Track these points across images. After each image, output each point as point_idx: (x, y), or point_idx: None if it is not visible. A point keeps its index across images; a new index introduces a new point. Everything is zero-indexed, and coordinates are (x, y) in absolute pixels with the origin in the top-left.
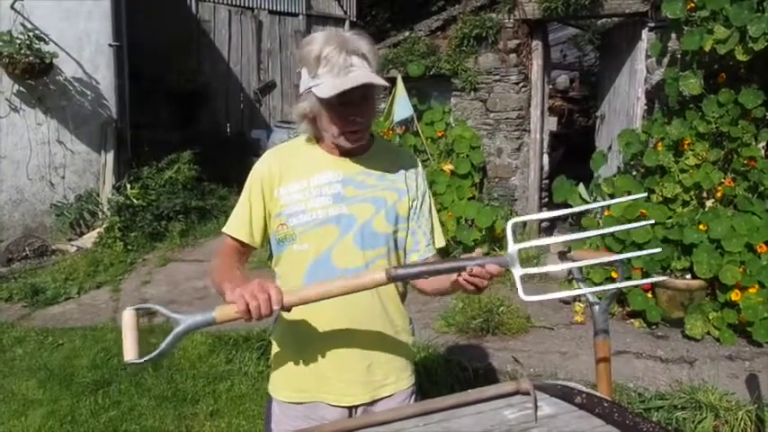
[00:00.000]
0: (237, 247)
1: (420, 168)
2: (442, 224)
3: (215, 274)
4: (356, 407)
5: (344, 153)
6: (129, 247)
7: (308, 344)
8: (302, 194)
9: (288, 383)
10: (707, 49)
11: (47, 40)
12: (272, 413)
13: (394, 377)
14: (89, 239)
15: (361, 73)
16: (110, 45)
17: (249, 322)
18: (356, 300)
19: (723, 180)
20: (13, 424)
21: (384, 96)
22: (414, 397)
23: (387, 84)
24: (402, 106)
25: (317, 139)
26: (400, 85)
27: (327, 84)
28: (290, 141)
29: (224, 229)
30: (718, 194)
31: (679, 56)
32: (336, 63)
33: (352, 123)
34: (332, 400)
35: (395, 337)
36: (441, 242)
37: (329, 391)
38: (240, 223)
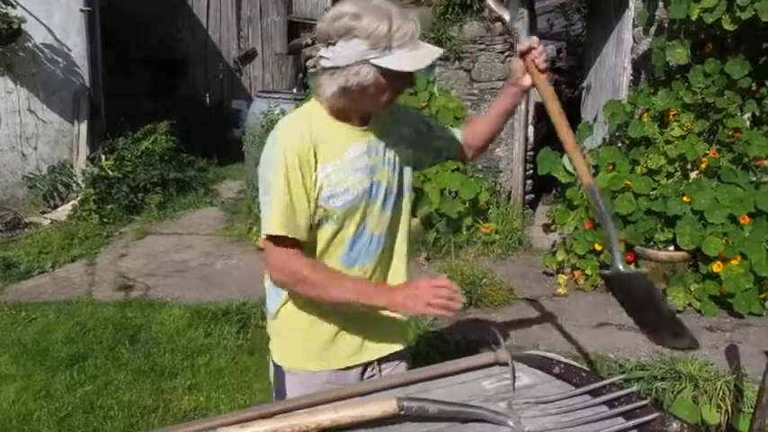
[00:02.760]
0: (298, 249)
1: (402, 104)
2: (426, 195)
3: (337, 290)
4: (370, 363)
5: (361, 122)
6: (105, 220)
7: (331, 312)
8: (340, 174)
9: (308, 352)
10: (694, 18)
11: (14, 3)
12: (288, 388)
13: (401, 330)
14: (63, 212)
15: (432, 46)
16: (81, 10)
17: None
18: (381, 260)
19: (708, 151)
20: None
21: None
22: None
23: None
24: None
25: (336, 112)
26: None
27: (405, 57)
28: (297, 116)
29: (287, 232)
30: (703, 166)
31: (666, 25)
32: (413, 37)
33: (399, 95)
34: (353, 361)
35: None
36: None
37: (350, 352)
38: (300, 221)
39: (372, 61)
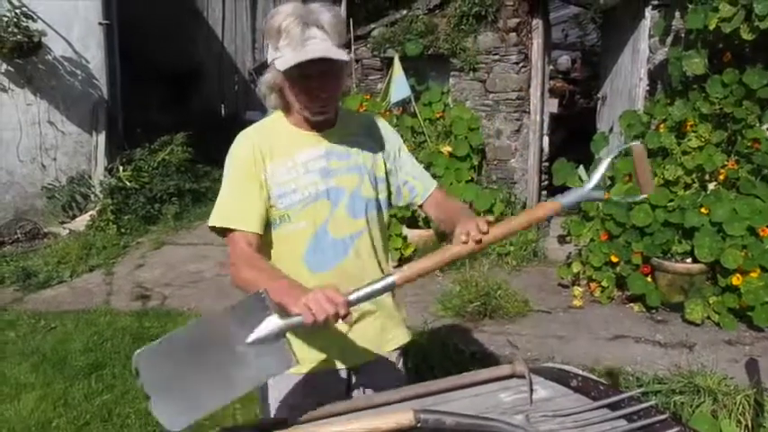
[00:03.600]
0: (254, 241)
1: (382, 122)
2: None
3: (262, 283)
4: (354, 370)
5: (317, 127)
6: (123, 231)
7: None
8: (289, 174)
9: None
10: (711, 27)
11: (35, 17)
12: (269, 388)
13: (390, 335)
14: (81, 222)
15: (318, 46)
16: (100, 23)
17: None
18: (354, 270)
19: (726, 162)
20: (6, 407)
21: (380, 77)
22: (401, 356)
23: (346, 58)
24: (399, 87)
25: (287, 112)
26: (397, 65)
27: (286, 56)
28: (260, 122)
29: (229, 223)
30: (721, 177)
31: (683, 35)
32: (295, 35)
33: (315, 98)
34: (328, 366)
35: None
36: (432, 183)
37: (325, 356)
38: (247, 212)
39: (275, 62)
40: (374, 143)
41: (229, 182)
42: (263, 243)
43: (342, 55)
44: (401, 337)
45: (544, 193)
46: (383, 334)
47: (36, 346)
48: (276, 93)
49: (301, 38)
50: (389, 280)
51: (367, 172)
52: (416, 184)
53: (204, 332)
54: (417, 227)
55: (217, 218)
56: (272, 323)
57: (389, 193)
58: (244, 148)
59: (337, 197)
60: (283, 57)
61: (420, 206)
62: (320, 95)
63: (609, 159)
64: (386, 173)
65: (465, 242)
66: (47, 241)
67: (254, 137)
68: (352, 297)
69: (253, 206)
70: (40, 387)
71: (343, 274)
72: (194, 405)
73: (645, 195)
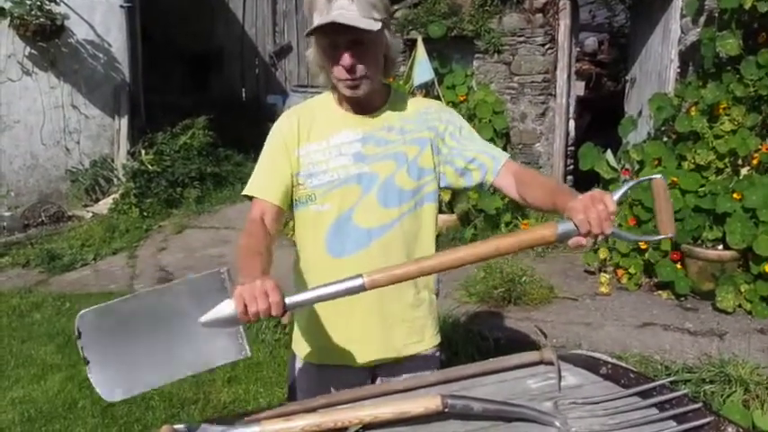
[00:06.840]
0: (269, 211)
1: (438, 105)
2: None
3: (238, 257)
4: (378, 368)
5: (360, 109)
6: (145, 214)
7: (328, 305)
8: (322, 155)
9: (309, 344)
10: (747, 6)
11: (57, 0)
12: (295, 368)
13: (417, 337)
14: (104, 206)
15: (341, 14)
16: (121, 6)
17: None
18: (378, 261)
19: (760, 146)
20: (33, 388)
21: (403, 59)
22: (439, 356)
23: (369, 27)
24: (422, 69)
25: (335, 92)
26: (421, 47)
27: (315, 21)
28: (309, 100)
29: (250, 191)
30: (755, 161)
31: (716, 14)
32: (321, 3)
33: (343, 70)
34: (352, 362)
35: (417, 296)
36: (503, 154)
37: (349, 352)
38: (269, 183)
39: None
40: (425, 131)
41: (263, 154)
42: (296, 224)
43: (367, 24)
44: (423, 343)
45: (570, 177)
46: (400, 337)
47: (61, 327)
48: (323, 71)
49: (327, 7)
50: (356, 282)
51: (407, 161)
52: (485, 160)
53: (156, 302)
54: (440, 211)
55: (247, 186)
56: (228, 307)
57: (438, 187)
58: (284, 124)
59: (369, 183)
60: (313, 22)
61: (492, 184)
62: (345, 66)
63: (623, 189)
64: (434, 164)
65: (586, 234)
66: (71, 224)
67: (296, 115)
68: (296, 299)
69: (276, 178)
70: (66, 368)
71: (364, 265)
72: (134, 378)
73: (664, 236)
